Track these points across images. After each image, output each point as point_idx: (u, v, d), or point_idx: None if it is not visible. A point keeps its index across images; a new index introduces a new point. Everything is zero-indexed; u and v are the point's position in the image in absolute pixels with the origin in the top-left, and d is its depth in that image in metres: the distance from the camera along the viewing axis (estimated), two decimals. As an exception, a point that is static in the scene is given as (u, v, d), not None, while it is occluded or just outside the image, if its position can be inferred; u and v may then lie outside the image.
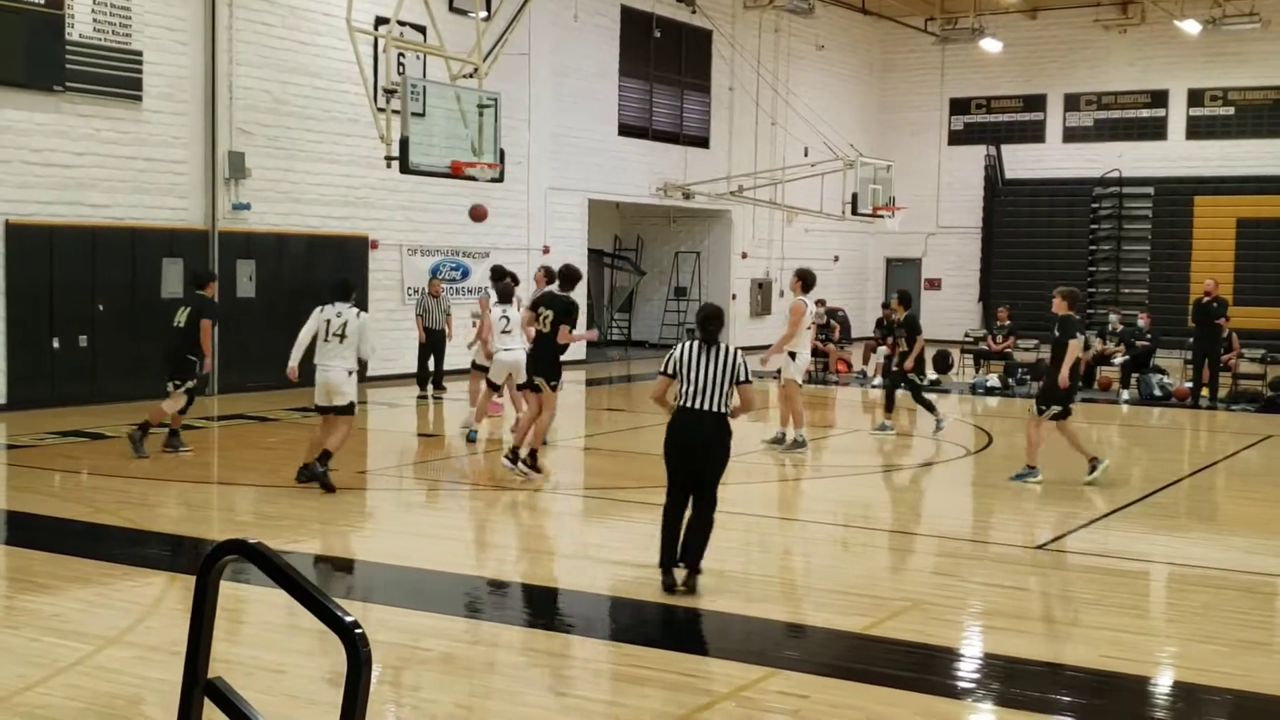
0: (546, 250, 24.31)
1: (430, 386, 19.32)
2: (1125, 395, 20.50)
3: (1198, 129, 30.86)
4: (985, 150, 32.62)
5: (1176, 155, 30.87)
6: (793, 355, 14.36)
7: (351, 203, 20.54)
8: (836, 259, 32.47)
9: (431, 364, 19.31)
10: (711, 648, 7.39)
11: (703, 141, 28.74)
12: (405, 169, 16.68)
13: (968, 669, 6.91)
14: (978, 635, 7.59)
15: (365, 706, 2.83)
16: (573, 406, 20.49)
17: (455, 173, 17.11)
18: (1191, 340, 20.34)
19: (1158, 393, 20.49)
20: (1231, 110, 30.56)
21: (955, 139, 33.45)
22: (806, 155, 28.71)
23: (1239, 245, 29.63)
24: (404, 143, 16.35)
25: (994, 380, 21.92)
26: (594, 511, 11.47)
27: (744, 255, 29.84)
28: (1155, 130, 31.24)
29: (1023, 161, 32.38)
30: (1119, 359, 21.13)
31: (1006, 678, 6.78)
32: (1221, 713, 6.35)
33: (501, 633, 7.39)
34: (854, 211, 25.85)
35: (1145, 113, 31.39)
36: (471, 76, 18.08)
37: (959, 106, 33.42)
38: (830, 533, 10.60)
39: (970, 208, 32.89)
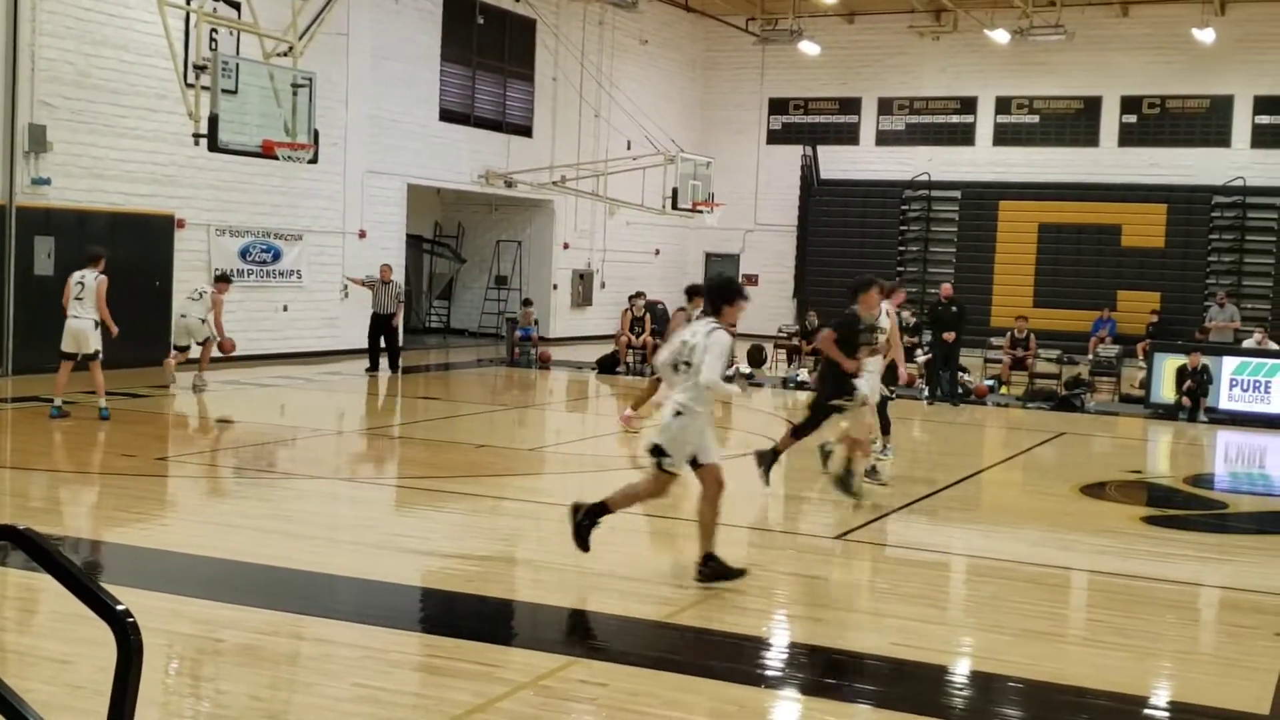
0: (363, 235, 23.94)
1: (381, 366, 21.31)
2: (926, 391, 21.16)
3: (1004, 136, 32.04)
4: (802, 150, 33.28)
5: (984, 160, 32.00)
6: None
7: (158, 180, 19.87)
8: (657, 253, 32.78)
9: (384, 343, 21.36)
10: (513, 637, 7.40)
11: (526, 130, 28.65)
12: (214, 147, 16.25)
13: (765, 656, 7.06)
14: (776, 623, 7.76)
15: (136, 695, 2.74)
16: (387, 395, 20.25)
17: (266, 152, 16.74)
18: (929, 341, 20.90)
19: (959, 389, 21.20)
20: (1037, 118, 31.82)
21: (774, 138, 34.06)
22: (629, 148, 28.88)
23: (1040, 249, 30.86)
24: (213, 120, 15.91)
25: (805, 375, 22.40)
26: (405, 501, 11.35)
27: (566, 246, 29.89)
28: (964, 136, 32.33)
29: (838, 162, 33.15)
30: (922, 356, 21.79)
31: (802, 665, 6.95)
32: (1008, 700, 6.59)
33: (303, 624, 7.26)
34: (674, 206, 26.10)
35: (955, 118, 32.45)
36: (286, 55, 17.67)
37: (778, 106, 34.05)
38: (637, 523, 10.68)
39: (787, 206, 33.55)
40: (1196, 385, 19.53)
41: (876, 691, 6.51)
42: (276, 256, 22.31)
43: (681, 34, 33.57)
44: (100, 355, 14.43)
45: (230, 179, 20.85)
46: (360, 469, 12.22)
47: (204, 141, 16.29)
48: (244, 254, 21.40)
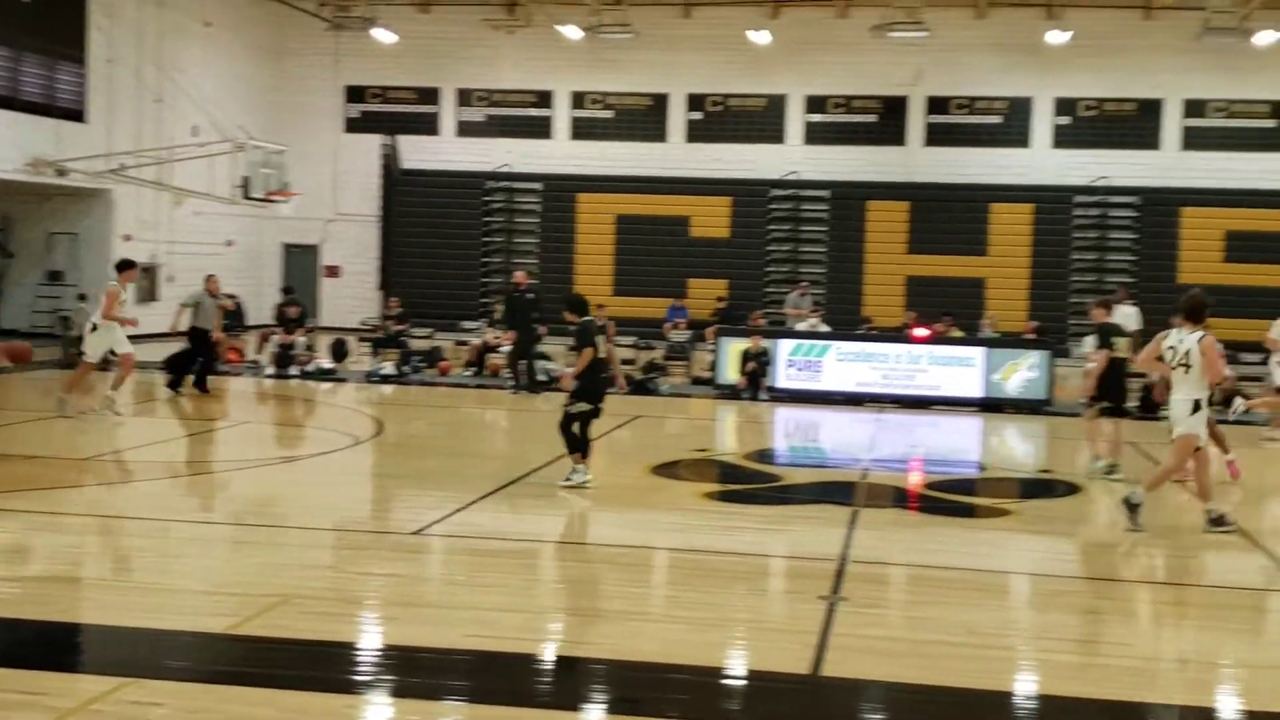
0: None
1: (183, 386, 18.41)
2: (512, 381, 21.37)
3: (581, 129, 32.86)
4: (383, 139, 32.88)
5: (562, 153, 32.69)
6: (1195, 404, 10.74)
7: None
8: (230, 243, 31.42)
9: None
10: (62, 661, 6.83)
11: (78, 115, 26.71)
12: None
13: (339, 661, 6.86)
14: (350, 626, 7.57)
15: None
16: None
17: None
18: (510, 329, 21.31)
19: (542, 378, 21.55)
20: (611, 113, 32.83)
21: (353, 126, 33.44)
22: (195, 135, 27.53)
23: (618, 240, 31.89)
24: None
25: (389, 368, 22.14)
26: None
27: (127, 238, 28.07)
28: (543, 129, 32.92)
29: (420, 152, 32.96)
30: (506, 347, 22.01)
31: (377, 666, 6.83)
32: (583, 681, 6.73)
33: None
34: (246, 196, 25.12)
35: (534, 111, 32.99)
36: None
37: (355, 94, 33.46)
38: (204, 531, 10.17)
39: (368, 195, 33.05)
40: (758, 366, 20.77)
41: (457, 686, 6.49)
42: None
43: (249, 18, 32.30)
44: None
45: None
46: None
47: None
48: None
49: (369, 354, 23.95)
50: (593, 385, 12.01)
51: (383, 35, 30.51)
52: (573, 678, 6.78)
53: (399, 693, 6.38)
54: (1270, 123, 30.05)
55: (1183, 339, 10.64)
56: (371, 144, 32.95)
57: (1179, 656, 7.30)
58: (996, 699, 6.53)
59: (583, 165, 32.38)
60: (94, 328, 15.94)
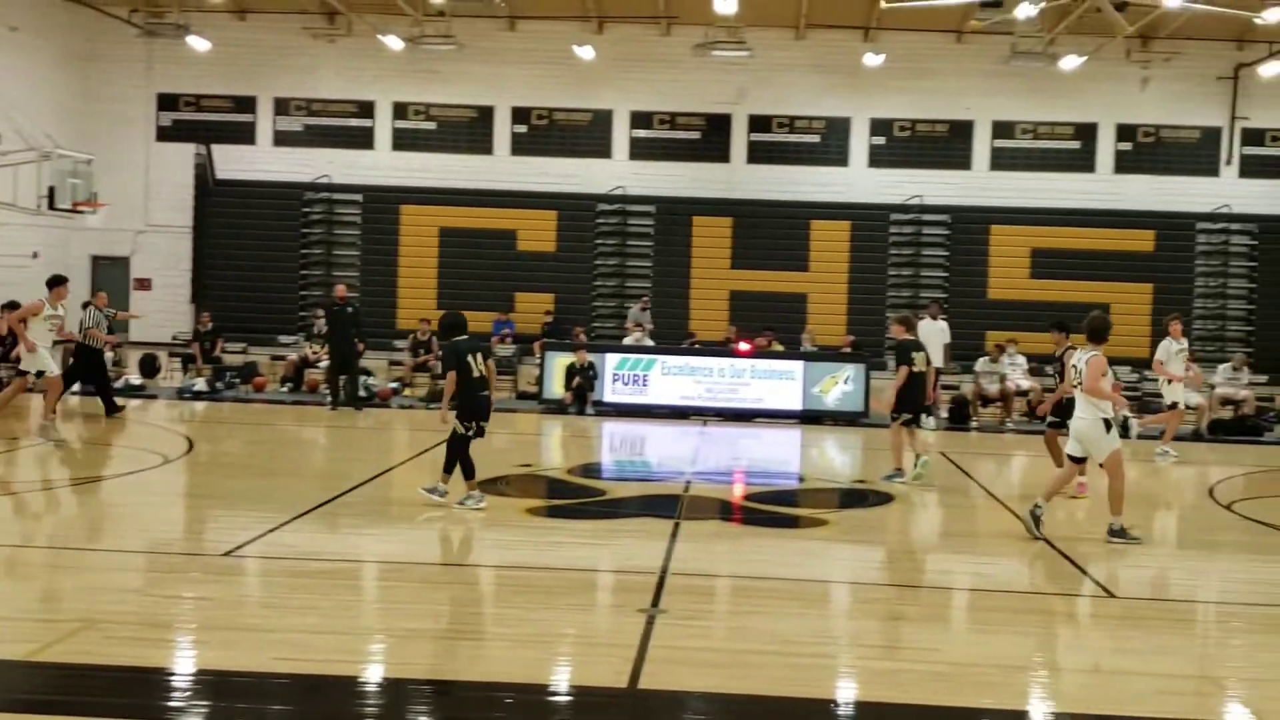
0: None
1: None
2: (330, 397, 21.00)
3: (404, 141, 32.43)
4: (196, 149, 31.91)
5: (385, 164, 32.19)
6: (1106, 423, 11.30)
7: None
8: (36, 255, 30.09)
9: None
10: None
11: None
12: None
13: (144, 687, 6.58)
14: (157, 651, 7.26)
15: None
16: None
17: None
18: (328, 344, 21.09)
19: (363, 393, 21.22)
20: (434, 125, 32.49)
21: (165, 135, 32.36)
22: (-2, 143, 26.33)
23: (442, 253, 31.55)
24: None
25: (202, 384, 21.52)
26: None
27: (-77, 249, 26.73)
28: (364, 139, 32.39)
29: (236, 162, 32.07)
30: (324, 362, 21.62)
31: (185, 692, 6.57)
32: (409, 702, 6.62)
33: None
34: (52, 206, 24.10)
35: (354, 122, 32.43)
36: None
37: (168, 102, 32.40)
38: (3, 555, 9.70)
39: (181, 206, 32.00)
40: (584, 381, 20.80)
41: (271, 711, 6.32)
42: None
43: (57, 23, 31.04)
44: None
45: None
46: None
47: None
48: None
49: (180, 369, 23.23)
50: (471, 406, 11.84)
51: (197, 43, 29.66)
52: (392, 700, 6.66)
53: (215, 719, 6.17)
54: (1074, 144, 31.37)
55: (1083, 358, 11.18)
56: (185, 153, 31.92)
57: (984, 661, 7.52)
58: (809, 706, 6.63)
59: (405, 177, 31.96)
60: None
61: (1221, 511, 13.64)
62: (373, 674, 7.04)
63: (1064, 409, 13.89)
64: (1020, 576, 10.11)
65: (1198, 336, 28.47)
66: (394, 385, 22.75)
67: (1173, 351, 18.38)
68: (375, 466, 14.86)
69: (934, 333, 21.45)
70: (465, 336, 12.12)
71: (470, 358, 11.86)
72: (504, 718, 6.36)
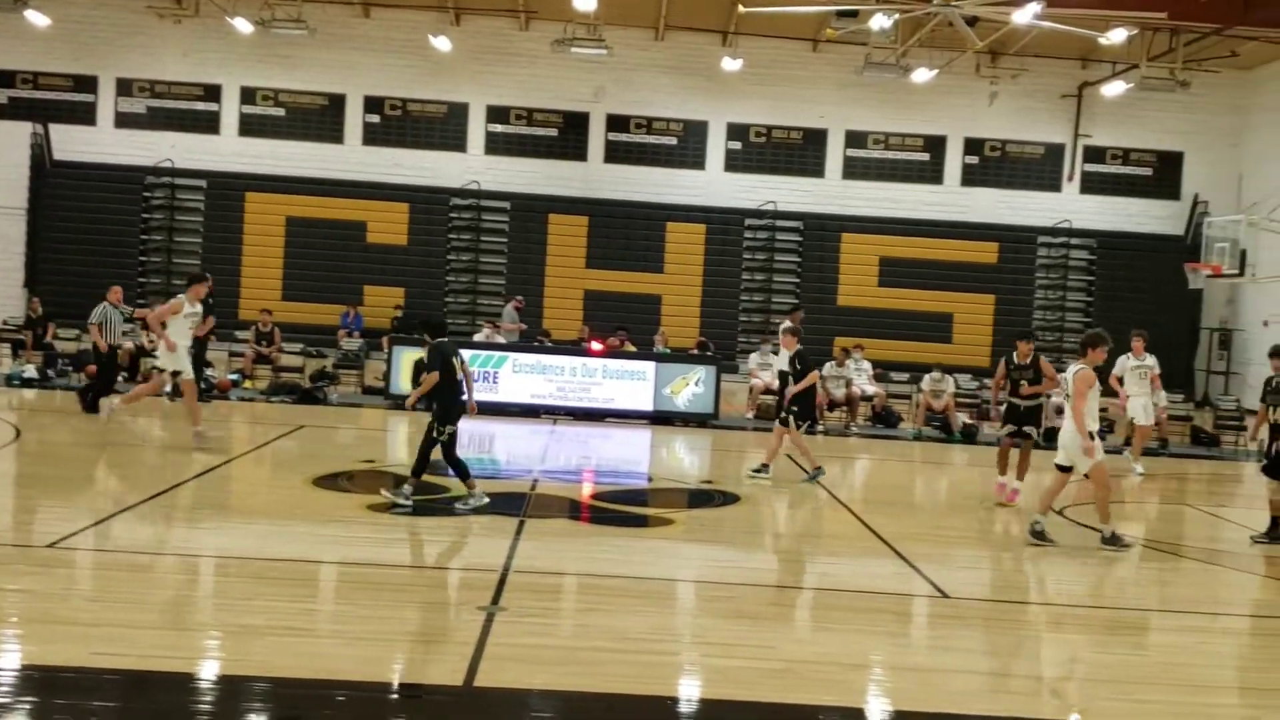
0: None
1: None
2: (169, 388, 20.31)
3: (251, 126, 31.57)
4: (33, 128, 30.64)
5: (230, 150, 31.28)
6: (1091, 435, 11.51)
7: None
8: None
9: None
10: None
11: None
12: None
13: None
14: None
15: None
16: None
17: None
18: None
19: (202, 385, 20.60)
20: (283, 111, 31.71)
21: (1, 113, 31.04)
22: None
23: (288, 243, 30.81)
24: None
25: (32, 371, 20.65)
26: None
27: None
28: (209, 123, 31.46)
29: (74, 143, 30.85)
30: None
31: (6, 687, 6.25)
32: (240, 699, 6.41)
33: None
34: (-128, 182, 22.90)
35: (200, 105, 31.46)
36: None
37: (4, 79, 30.99)
38: None
39: (16, 187, 30.66)
40: (432, 376, 20.50)
41: (95, 707, 6.04)
42: None
43: (-117, -13, 29.53)
44: None
45: None
46: None
47: None
48: None
49: (9, 355, 22.27)
50: (453, 408, 11.90)
51: (36, 18, 28.48)
52: (221, 696, 6.41)
53: (32, 716, 5.85)
54: (924, 156, 32.04)
55: (1073, 372, 11.33)
56: (21, 132, 30.63)
57: (822, 659, 7.56)
58: (649, 704, 6.58)
59: (252, 164, 31.10)
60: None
61: (1053, 515, 14.02)
62: (202, 670, 6.77)
63: (1019, 416, 14.17)
64: (859, 576, 10.23)
65: (1036, 347, 29.26)
66: (233, 377, 22.13)
67: (1129, 368, 18.25)
68: (209, 460, 14.39)
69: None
70: (446, 339, 12.21)
71: (453, 360, 11.93)
72: (335, 716, 6.17)
